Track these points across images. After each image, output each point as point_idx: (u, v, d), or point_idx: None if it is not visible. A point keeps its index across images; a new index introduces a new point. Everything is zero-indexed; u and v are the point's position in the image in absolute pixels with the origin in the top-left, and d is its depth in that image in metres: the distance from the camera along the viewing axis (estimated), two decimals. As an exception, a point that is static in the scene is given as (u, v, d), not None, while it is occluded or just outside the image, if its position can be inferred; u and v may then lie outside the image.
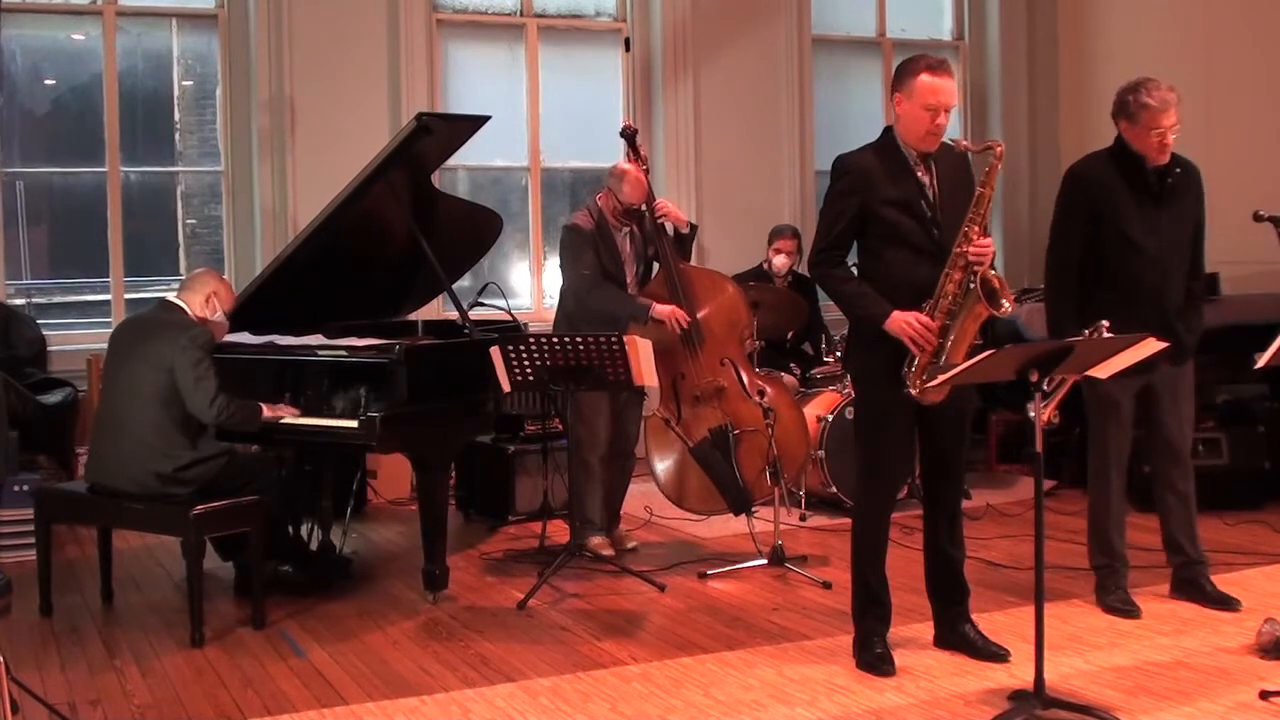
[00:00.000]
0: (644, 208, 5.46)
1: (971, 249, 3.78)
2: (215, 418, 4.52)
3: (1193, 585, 4.68)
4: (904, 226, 3.88)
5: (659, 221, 5.51)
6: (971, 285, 3.76)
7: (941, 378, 3.59)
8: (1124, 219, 4.42)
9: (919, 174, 3.91)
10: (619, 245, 5.50)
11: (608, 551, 5.48)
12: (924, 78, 3.83)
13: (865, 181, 3.91)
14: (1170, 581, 4.74)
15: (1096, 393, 4.47)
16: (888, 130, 4.00)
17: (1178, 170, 4.46)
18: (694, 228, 5.65)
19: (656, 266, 5.61)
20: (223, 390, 4.50)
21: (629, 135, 5.62)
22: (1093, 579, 4.69)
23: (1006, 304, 3.76)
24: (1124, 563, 4.64)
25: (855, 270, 4.05)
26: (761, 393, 5.38)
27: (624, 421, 5.60)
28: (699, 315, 5.48)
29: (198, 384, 4.48)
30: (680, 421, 5.46)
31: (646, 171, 5.51)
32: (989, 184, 3.81)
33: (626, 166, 5.48)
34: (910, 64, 3.90)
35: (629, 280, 5.53)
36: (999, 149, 3.83)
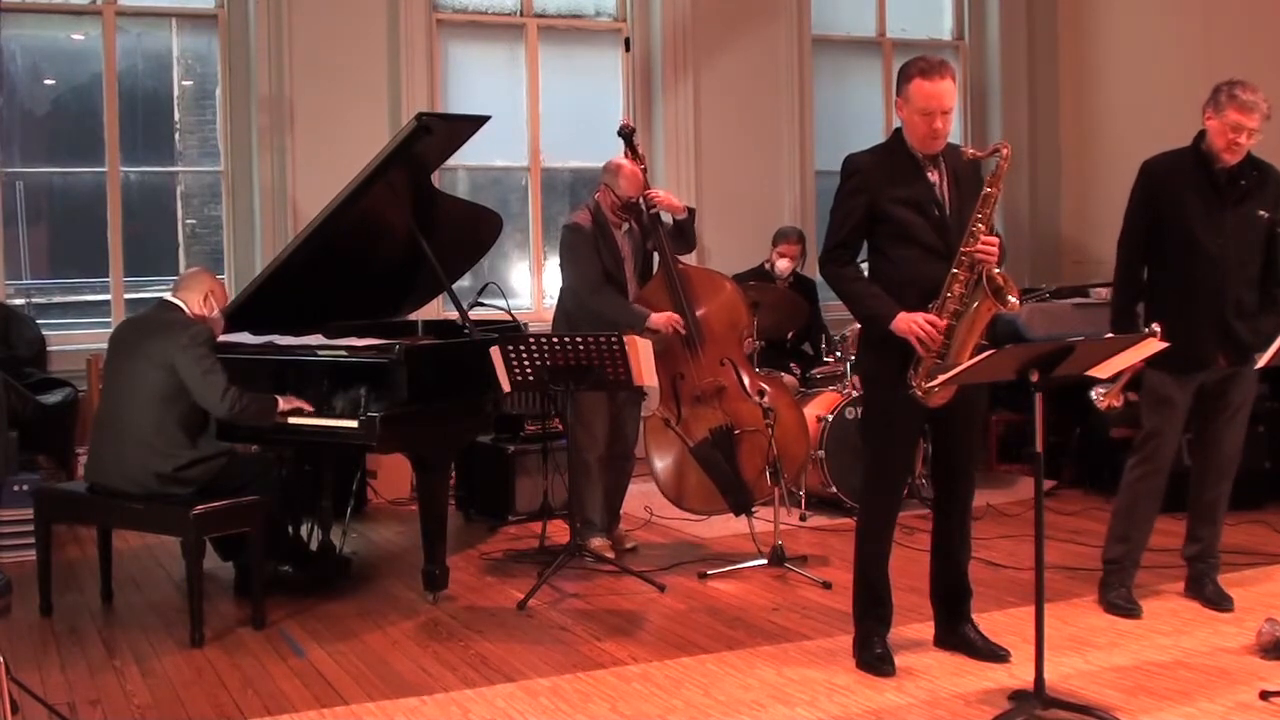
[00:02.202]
0: (640, 202, 5.46)
1: (978, 247, 3.78)
2: (228, 410, 4.50)
3: (1196, 582, 4.70)
4: (914, 226, 3.88)
5: (654, 214, 5.49)
6: (979, 284, 3.76)
7: (942, 378, 3.59)
8: (1188, 216, 4.43)
9: (929, 174, 3.91)
10: (618, 243, 5.50)
11: (609, 553, 5.47)
12: (918, 83, 3.82)
13: (874, 181, 3.91)
14: (1185, 579, 4.76)
15: (1152, 388, 4.48)
16: (898, 131, 3.99)
17: (1254, 173, 4.45)
18: (692, 212, 5.58)
19: (657, 261, 5.60)
20: (233, 383, 4.50)
21: (626, 134, 5.61)
22: (1093, 578, 4.69)
23: (1013, 299, 3.76)
24: (1134, 563, 4.64)
25: (865, 270, 4.06)
26: (761, 393, 5.38)
27: (621, 422, 5.59)
28: (698, 314, 5.47)
29: (205, 378, 4.47)
30: (680, 421, 5.46)
31: (644, 171, 5.50)
32: (996, 184, 3.81)
33: (621, 160, 5.48)
34: (906, 68, 3.90)
35: (628, 277, 5.53)
36: (1005, 150, 3.84)
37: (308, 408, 4.73)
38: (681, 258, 5.61)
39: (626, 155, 5.54)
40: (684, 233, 5.55)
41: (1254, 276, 4.49)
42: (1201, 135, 4.46)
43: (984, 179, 3.93)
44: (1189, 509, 4.75)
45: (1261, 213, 4.44)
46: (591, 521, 5.51)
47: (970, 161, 3.98)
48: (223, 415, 4.56)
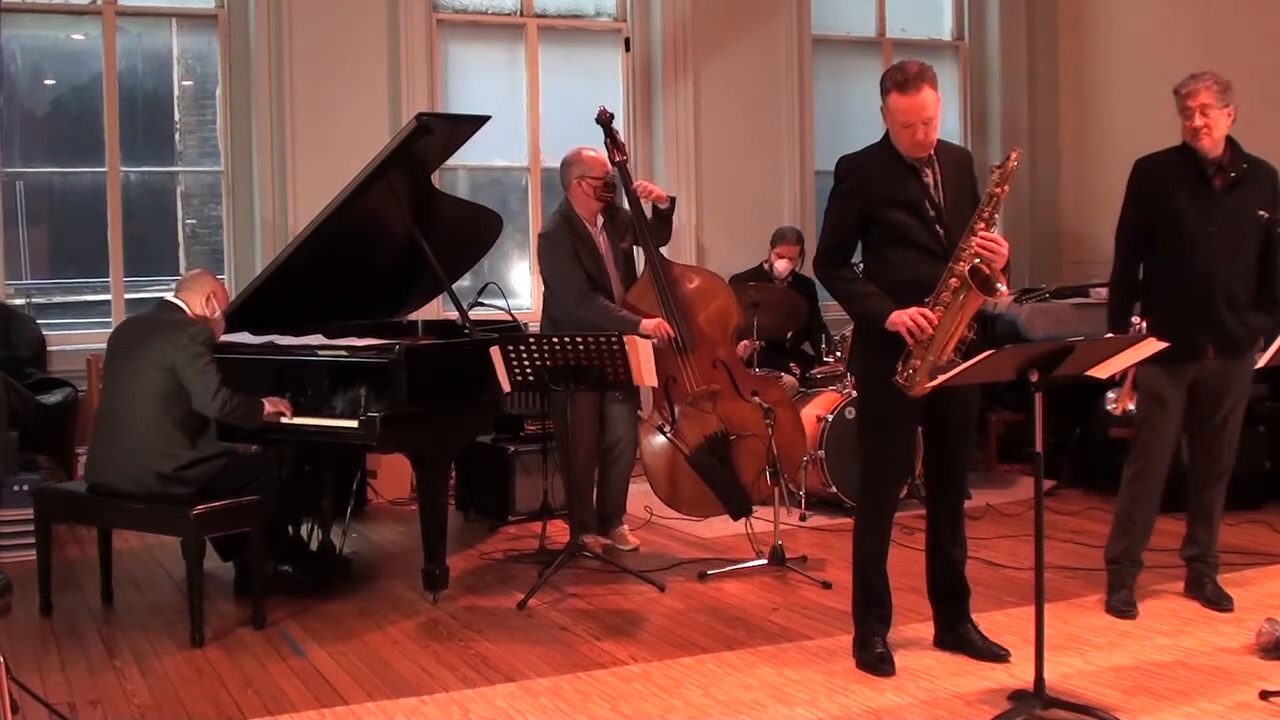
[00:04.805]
0: (620, 187, 5.41)
1: (974, 241, 3.76)
2: (219, 410, 4.52)
3: (1196, 582, 4.70)
4: (909, 227, 3.87)
5: (637, 204, 5.45)
6: (971, 276, 3.75)
7: (942, 378, 3.58)
8: (1177, 207, 4.46)
9: (923, 175, 3.91)
10: (597, 243, 5.48)
11: (597, 549, 5.46)
12: (894, 97, 3.81)
13: (868, 183, 3.91)
14: (1185, 579, 4.76)
15: (1144, 384, 4.50)
16: (890, 132, 3.99)
17: (1244, 165, 4.48)
18: (673, 200, 5.58)
19: (641, 263, 5.58)
20: (225, 384, 4.51)
21: (605, 121, 5.54)
22: (1094, 578, 4.70)
23: (1002, 287, 3.74)
24: (1134, 561, 4.64)
25: (861, 271, 4.05)
26: (754, 393, 5.36)
27: (613, 421, 5.57)
28: (687, 315, 5.42)
29: (199, 377, 4.48)
30: (674, 427, 5.41)
31: (625, 161, 5.44)
32: (1004, 184, 3.77)
33: (577, 150, 5.46)
34: (883, 80, 3.87)
35: (611, 275, 5.50)
36: (1016, 152, 3.81)
37: (288, 410, 4.73)
38: (668, 256, 5.59)
39: (606, 144, 5.51)
40: (665, 223, 5.54)
41: (1247, 270, 4.49)
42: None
43: (974, 175, 3.92)
44: (1187, 509, 4.75)
45: (1261, 213, 4.44)
46: (584, 521, 5.49)
47: (962, 159, 3.99)
48: (213, 414, 4.57)
